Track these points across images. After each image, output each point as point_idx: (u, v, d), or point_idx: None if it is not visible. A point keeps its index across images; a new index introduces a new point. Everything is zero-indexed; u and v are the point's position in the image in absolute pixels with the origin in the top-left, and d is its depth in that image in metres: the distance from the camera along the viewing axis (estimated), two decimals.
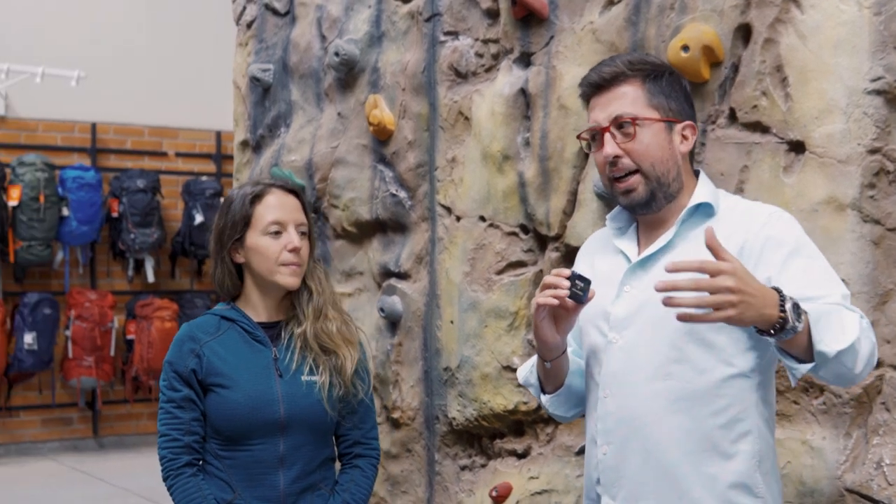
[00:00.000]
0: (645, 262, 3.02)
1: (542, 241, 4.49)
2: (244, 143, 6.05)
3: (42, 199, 11.26)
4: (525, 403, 4.45)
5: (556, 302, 2.90)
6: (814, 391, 3.51)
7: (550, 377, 3.14)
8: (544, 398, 3.20)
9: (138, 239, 11.85)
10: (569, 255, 4.28)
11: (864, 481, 3.43)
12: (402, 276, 5.08)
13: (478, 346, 4.65)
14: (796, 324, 2.60)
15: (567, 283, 2.90)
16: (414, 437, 5.01)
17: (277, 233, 3.49)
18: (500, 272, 4.60)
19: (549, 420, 4.41)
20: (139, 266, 12.27)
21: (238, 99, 6.06)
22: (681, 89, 3.06)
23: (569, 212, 4.34)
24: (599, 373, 3.04)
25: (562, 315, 2.96)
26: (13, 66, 11.58)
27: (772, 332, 2.60)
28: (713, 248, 2.60)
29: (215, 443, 3.53)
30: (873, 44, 3.41)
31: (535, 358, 3.24)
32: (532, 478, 4.46)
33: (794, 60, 3.56)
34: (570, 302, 2.90)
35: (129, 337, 12.01)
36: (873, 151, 3.43)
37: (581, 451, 4.09)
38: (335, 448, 3.68)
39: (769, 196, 3.59)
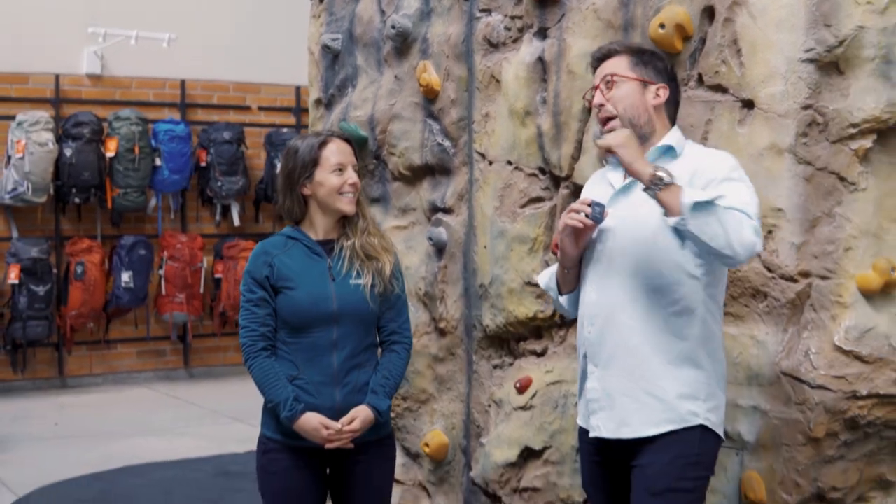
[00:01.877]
0: (624, 190, 3.81)
1: (556, 181, 4.92)
2: (318, 101, 6.31)
3: (137, 150, 11.57)
4: (542, 312, 4.92)
5: (581, 225, 3.70)
6: (759, 297, 4.10)
7: (567, 281, 3.94)
8: (561, 298, 4.00)
9: (225, 186, 12.17)
10: (576, 192, 4.69)
11: (796, 366, 4.03)
12: (447, 210, 5.43)
13: (505, 266, 5.04)
14: (663, 175, 3.45)
15: (589, 209, 3.70)
16: (457, 343, 5.39)
17: (340, 171, 4.17)
18: (523, 206, 5.01)
19: (562, 324, 4.88)
20: (226, 211, 12.60)
21: (312, 63, 6.32)
22: (662, 66, 3.85)
23: (576, 157, 4.78)
24: (586, 271, 3.86)
25: (581, 233, 3.77)
26: (110, 30, 11.84)
27: (652, 185, 3.45)
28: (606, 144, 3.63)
29: (284, 332, 4.16)
30: (807, 22, 3.96)
31: (553, 268, 4.01)
32: (548, 371, 4.92)
33: (746, 36, 4.12)
34: (590, 222, 3.71)
35: (217, 276, 12.33)
36: (806, 108, 3.99)
37: None
38: (377, 337, 4.30)
39: (727, 143, 4.16)
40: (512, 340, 5.17)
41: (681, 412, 3.69)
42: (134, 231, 12.25)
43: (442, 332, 5.50)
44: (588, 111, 4.67)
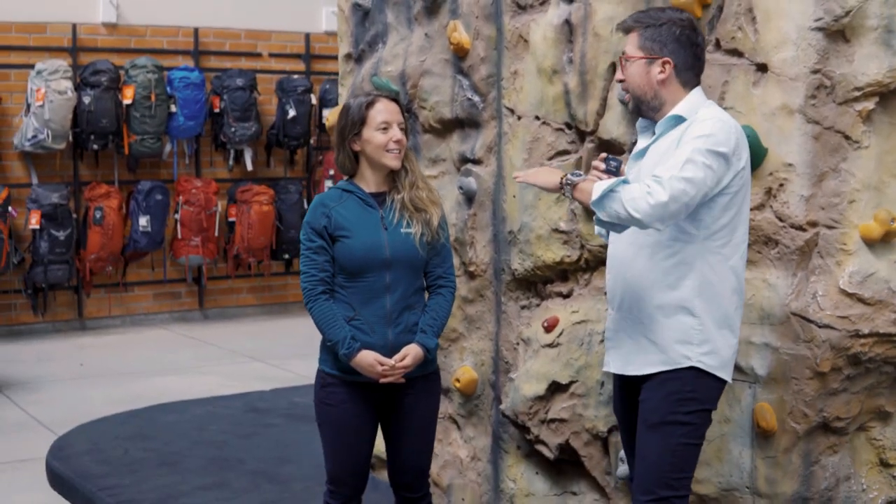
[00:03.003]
0: (637, 156, 4.17)
1: (581, 135, 5.06)
2: (348, 56, 6.42)
3: (153, 97, 11.70)
4: (568, 256, 5.11)
5: (599, 178, 4.06)
6: (771, 244, 4.37)
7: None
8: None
9: (238, 132, 12.31)
10: (601, 146, 4.91)
11: (804, 307, 4.30)
12: (476, 161, 5.57)
13: (533, 214, 5.22)
14: (567, 189, 3.98)
15: (603, 166, 4.08)
16: (485, 285, 5.56)
17: (385, 129, 4.42)
18: (550, 158, 5.15)
19: (587, 268, 5.09)
20: (239, 156, 12.76)
21: (342, 19, 6.44)
22: (671, 36, 4.03)
23: (601, 113, 4.93)
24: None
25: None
26: None
27: (564, 189, 4.01)
28: (522, 179, 4.16)
29: (341, 277, 4.43)
30: None
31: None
32: (574, 312, 5.12)
33: (760, 4, 4.33)
34: (605, 176, 4.07)
35: (231, 219, 12.51)
36: (815, 72, 4.23)
37: None
38: (424, 281, 4.58)
39: (742, 103, 4.40)
40: (539, 283, 5.37)
41: (672, 355, 4.06)
42: (150, 176, 12.37)
43: (471, 275, 5.68)
44: (613, 71, 4.88)
